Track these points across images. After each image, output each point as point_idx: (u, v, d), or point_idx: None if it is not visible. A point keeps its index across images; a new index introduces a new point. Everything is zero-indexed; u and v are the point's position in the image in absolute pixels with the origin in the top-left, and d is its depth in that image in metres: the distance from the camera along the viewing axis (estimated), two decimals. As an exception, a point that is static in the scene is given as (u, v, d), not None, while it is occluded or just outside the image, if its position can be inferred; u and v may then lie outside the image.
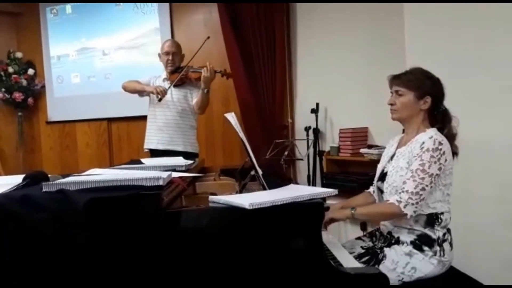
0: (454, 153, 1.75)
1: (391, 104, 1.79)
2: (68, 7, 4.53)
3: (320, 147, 3.53)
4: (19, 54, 4.55)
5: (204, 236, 1.32)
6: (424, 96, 1.73)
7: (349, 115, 3.41)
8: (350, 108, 3.42)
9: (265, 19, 3.71)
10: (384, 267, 1.63)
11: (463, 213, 2.18)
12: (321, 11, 3.58)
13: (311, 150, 3.49)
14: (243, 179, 1.97)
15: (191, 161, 2.15)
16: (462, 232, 1.92)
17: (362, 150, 3.12)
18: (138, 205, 1.25)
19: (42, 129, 4.71)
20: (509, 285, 2.11)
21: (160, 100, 3.08)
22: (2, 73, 4.44)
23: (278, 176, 3.25)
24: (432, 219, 1.69)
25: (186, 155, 2.87)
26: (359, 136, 3.27)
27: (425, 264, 1.65)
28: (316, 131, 3.48)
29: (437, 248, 1.66)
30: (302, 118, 3.81)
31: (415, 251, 1.66)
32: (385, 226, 1.80)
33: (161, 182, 1.31)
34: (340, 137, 3.31)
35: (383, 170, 1.85)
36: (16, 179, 1.49)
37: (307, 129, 3.52)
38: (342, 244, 1.83)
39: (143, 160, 2.20)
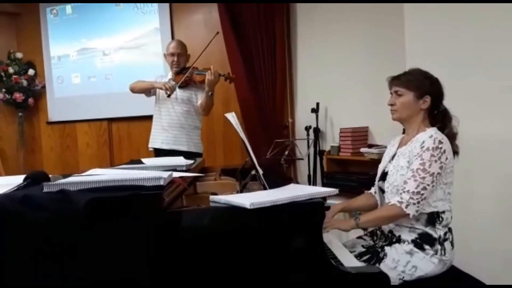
0: (455, 152, 1.75)
1: (391, 105, 1.79)
2: (68, 7, 4.53)
3: (320, 147, 3.54)
4: (19, 55, 4.56)
5: (205, 236, 1.32)
6: (423, 95, 1.74)
7: (350, 115, 3.41)
8: (350, 107, 3.42)
9: (265, 19, 3.72)
10: (385, 266, 1.63)
11: (463, 212, 2.18)
12: (321, 10, 3.59)
13: (312, 150, 3.49)
14: (243, 178, 1.97)
15: (192, 161, 2.15)
16: (463, 231, 1.92)
17: (363, 150, 3.13)
18: (139, 205, 1.25)
19: (43, 130, 4.71)
20: (510, 285, 2.11)
21: (169, 96, 3.11)
22: (2, 73, 4.45)
23: (279, 175, 3.25)
24: (433, 218, 1.69)
25: (190, 155, 2.91)
26: (360, 136, 3.27)
27: (426, 263, 1.65)
28: (317, 131, 3.48)
29: (438, 247, 1.66)
30: (302, 118, 3.81)
31: (416, 249, 1.66)
32: (386, 225, 1.80)
33: (162, 182, 1.31)
34: (340, 136, 3.32)
35: (384, 170, 1.85)
36: (17, 180, 1.49)
37: (307, 128, 3.53)
38: (343, 243, 1.83)
39: (143, 160, 2.20)
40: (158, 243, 1.27)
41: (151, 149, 3.35)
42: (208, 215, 1.34)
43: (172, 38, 4.11)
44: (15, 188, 1.40)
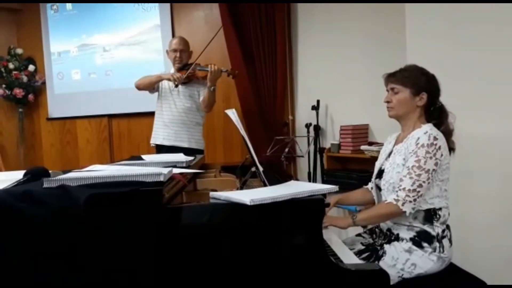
0: (451, 149, 1.74)
1: (388, 102, 1.79)
2: (69, 3, 4.52)
3: (320, 144, 3.54)
4: (19, 50, 4.55)
5: (204, 232, 1.32)
6: (420, 92, 1.73)
7: (350, 112, 3.41)
8: (351, 105, 3.42)
9: (266, 17, 3.70)
10: (384, 263, 1.64)
11: (462, 210, 2.18)
12: (322, 9, 3.58)
13: (312, 147, 3.49)
14: (243, 175, 1.97)
15: (192, 158, 2.15)
16: (461, 228, 1.92)
17: (363, 147, 3.12)
18: (139, 201, 1.26)
19: (43, 126, 4.71)
20: (510, 285, 2.11)
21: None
22: (2, 69, 4.44)
23: (279, 173, 3.25)
24: (430, 215, 1.69)
25: (191, 151, 2.91)
26: (360, 133, 3.27)
27: (425, 261, 1.65)
28: (317, 128, 3.48)
29: (437, 244, 1.66)
30: (302, 115, 3.81)
31: (414, 247, 1.66)
32: (385, 223, 1.80)
33: (162, 178, 1.32)
34: (340, 134, 3.31)
35: (380, 168, 1.85)
36: (17, 175, 1.49)
37: (307, 126, 3.52)
38: (342, 240, 1.83)
39: (143, 156, 2.21)
40: (158, 239, 1.27)
41: (153, 145, 3.35)
42: (208, 212, 1.34)
43: (173, 35, 4.10)
44: (15, 183, 1.40)
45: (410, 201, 1.63)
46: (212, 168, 2.42)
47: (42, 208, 1.22)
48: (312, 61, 3.74)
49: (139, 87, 3.29)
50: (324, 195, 1.47)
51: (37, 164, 4.48)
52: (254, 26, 3.71)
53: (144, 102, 3.79)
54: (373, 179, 1.91)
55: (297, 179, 3.72)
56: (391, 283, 1.55)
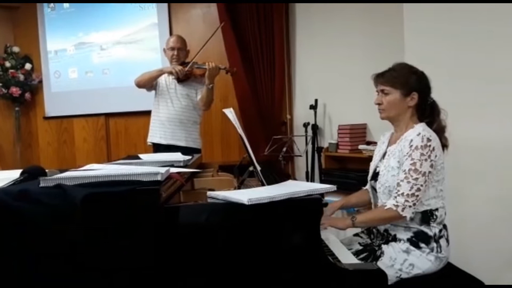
0: (444, 146, 1.73)
1: (378, 104, 1.78)
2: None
3: (318, 144, 3.53)
4: (16, 49, 4.52)
5: (202, 231, 1.32)
6: (410, 92, 1.72)
7: (348, 112, 3.41)
8: (349, 104, 3.42)
9: (264, 15, 3.70)
10: (382, 263, 1.63)
11: (459, 210, 2.19)
12: (321, 8, 3.58)
13: (310, 147, 3.49)
14: (241, 175, 1.96)
15: (189, 157, 2.15)
16: (459, 229, 1.92)
17: (361, 147, 3.13)
18: (136, 201, 1.25)
19: (40, 124, 4.69)
20: (510, 285, 2.12)
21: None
22: (-1, 67, 4.42)
23: (276, 172, 3.25)
24: (427, 216, 1.68)
25: (188, 150, 2.89)
26: (358, 133, 3.27)
27: (423, 261, 1.65)
28: (315, 128, 3.48)
29: (434, 244, 1.66)
30: (300, 114, 3.80)
31: (412, 248, 1.66)
32: (382, 223, 1.80)
33: (159, 178, 1.31)
34: (338, 133, 3.32)
35: (375, 170, 1.84)
36: (14, 174, 1.48)
37: (305, 125, 3.52)
38: (340, 240, 1.83)
39: (141, 155, 2.20)
40: (156, 238, 1.26)
41: (150, 144, 3.33)
42: (206, 211, 1.34)
43: (170, 33, 4.09)
44: (12, 182, 1.39)
45: (410, 206, 1.62)
46: (209, 168, 2.42)
47: (39, 207, 1.21)
48: (310, 60, 3.74)
49: (139, 84, 3.24)
50: (322, 194, 1.47)
51: (34, 163, 4.47)
52: (252, 26, 3.71)
53: (141, 101, 3.77)
54: (368, 180, 1.90)
55: (295, 179, 3.72)
56: (389, 283, 1.55)
